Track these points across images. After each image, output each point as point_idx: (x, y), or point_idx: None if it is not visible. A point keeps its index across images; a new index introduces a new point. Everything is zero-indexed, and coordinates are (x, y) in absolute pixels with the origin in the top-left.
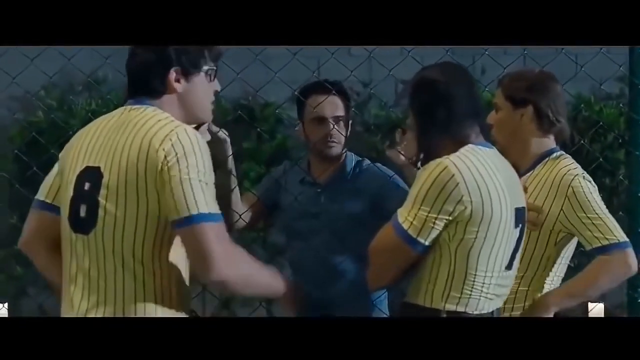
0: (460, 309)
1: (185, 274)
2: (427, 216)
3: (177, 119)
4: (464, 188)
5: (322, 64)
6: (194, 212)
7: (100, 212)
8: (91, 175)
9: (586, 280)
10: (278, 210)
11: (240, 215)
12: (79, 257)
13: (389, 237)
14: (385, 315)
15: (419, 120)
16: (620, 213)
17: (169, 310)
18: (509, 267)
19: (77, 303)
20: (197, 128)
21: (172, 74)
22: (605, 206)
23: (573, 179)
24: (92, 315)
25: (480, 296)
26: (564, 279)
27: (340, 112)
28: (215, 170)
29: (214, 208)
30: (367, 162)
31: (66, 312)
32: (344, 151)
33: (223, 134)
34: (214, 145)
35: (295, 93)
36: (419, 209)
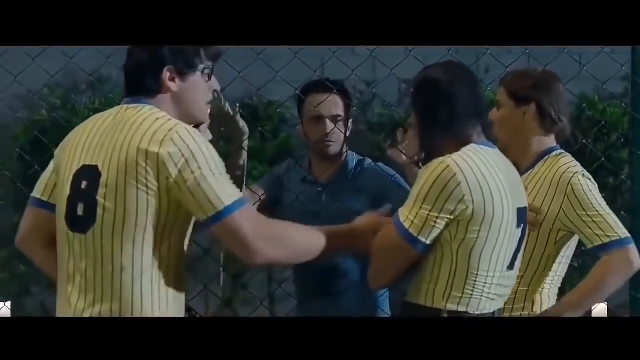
0: (462, 309)
1: (182, 273)
2: (428, 215)
3: (173, 118)
4: (465, 187)
5: (325, 62)
6: (220, 207)
7: (99, 211)
8: (88, 173)
9: (593, 285)
10: (279, 207)
11: None
12: (75, 256)
13: (390, 235)
14: (386, 315)
15: (421, 120)
16: (622, 213)
17: (167, 309)
18: (510, 267)
19: (74, 302)
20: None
21: (166, 73)
22: (605, 203)
23: (572, 177)
24: (88, 314)
25: (481, 296)
26: (565, 279)
27: (340, 111)
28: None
29: (235, 194)
30: (368, 161)
31: (63, 311)
32: (344, 150)
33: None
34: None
35: (297, 92)
36: (420, 207)
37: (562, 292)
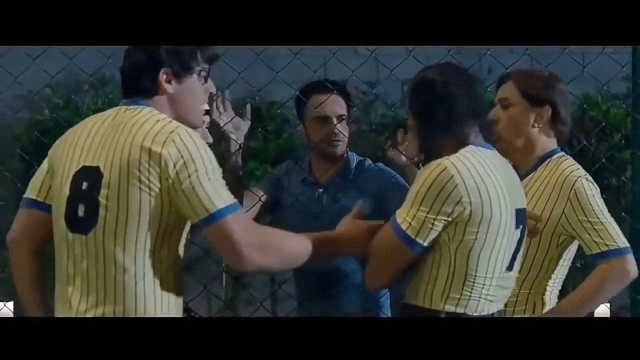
0: (460, 310)
1: (180, 274)
2: (425, 217)
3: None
4: (463, 189)
5: (326, 62)
6: (212, 210)
7: (101, 212)
8: (89, 174)
9: (588, 292)
10: (279, 209)
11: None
12: (76, 257)
13: (388, 237)
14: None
15: (418, 121)
16: (623, 214)
17: (168, 310)
18: (509, 268)
19: (75, 303)
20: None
21: (163, 75)
22: (607, 210)
23: (576, 181)
24: (91, 315)
25: (480, 297)
26: (567, 280)
27: (342, 111)
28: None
29: (229, 198)
30: (368, 161)
31: (63, 313)
32: (345, 151)
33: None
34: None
35: (297, 93)
36: (418, 209)
37: (563, 293)
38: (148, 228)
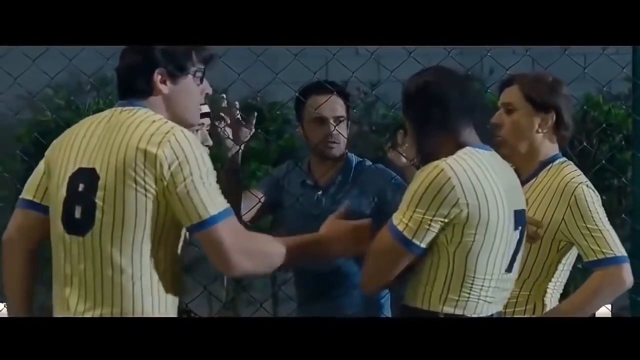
0: (459, 312)
1: (178, 275)
2: (422, 218)
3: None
4: (460, 191)
5: (328, 62)
6: (205, 216)
7: (98, 214)
8: (85, 176)
9: (583, 298)
10: (279, 210)
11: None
12: (73, 258)
13: (385, 239)
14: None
15: (413, 124)
16: (623, 216)
17: (165, 311)
18: (508, 270)
19: (73, 305)
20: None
21: (157, 76)
22: (606, 218)
23: (577, 187)
24: (89, 316)
25: (478, 299)
26: (568, 280)
27: (341, 112)
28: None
29: (222, 204)
30: (368, 162)
31: (61, 314)
32: (345, 152)
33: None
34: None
35: (297, 94)
36: (414, 211)
37: (564, 296)
38: (144, 229)
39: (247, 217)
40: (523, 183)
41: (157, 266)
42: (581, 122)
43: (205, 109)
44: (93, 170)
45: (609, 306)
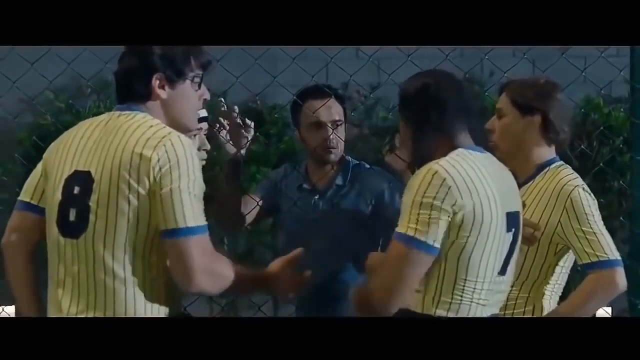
0: (451, 314)
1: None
2: (429, 218)
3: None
4: (456, 192)
5: (326, 64)
6: (181, 225)
7: (92, 217)
8: (81, 179)
9: (577, 302)
10: (276, 213)
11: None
12: (67, 261)
13: (398, 253)
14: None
15: (408, 126)
16: (621, 218)
17: (158, 314)
18: (502, 272)
19: (65, 307)
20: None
21: (156, 81)
22: (602, 222)
23: (573, 190)
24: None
25: (471, 302)
26: (569, 281)
27: (338, 116)
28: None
29: (200, 219)
30: (365, 165)
31: (54, 315)
32: (342, 156)
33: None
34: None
35: (294, 97)
36: (419, 214)
37: (563, 298)
38: (137, 233)
39: (247, 220)
40: (520, 186)
41: (150, 270)
42: (581, 125)
43: (203, 113)
44: (88, 173)
45: (609, 309)
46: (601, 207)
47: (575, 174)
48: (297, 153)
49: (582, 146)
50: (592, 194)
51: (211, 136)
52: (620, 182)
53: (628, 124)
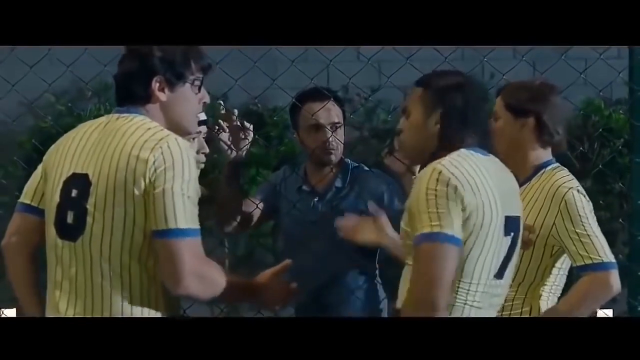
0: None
1: None
2: (448, 212)
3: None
4: (461, 190)
5: (326, 67)
6: (172, 226)
7: (89, 220)
8: (78, 182)
9: (570, 303)
10: (276, 216)
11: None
12: (64, 263)
13: (428, 254)
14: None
15: (442, 121)
16: (621, 220)
17: (157, 316)
18: (498, 276)
19: (63, 309)
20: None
21: (156, 84)
22: (597, 225)
23: (567, 192)
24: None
25: (465, 304)
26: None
27: (336, 118)
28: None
29: (193, 223)
30: (364, 168)
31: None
32: (341, 158)
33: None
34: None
35: (293, 100)
36: (437, 211)
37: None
38: (133, 236)
39: (247, 223)
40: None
41: (148, 274)
42: (582, 127)
43: (203, 116)
44: (86, 175)
45: (610, 311)
46: (602, 209)
47: (571, 176)
48: (298, 155)
49: (581, 148)
50: (587, 196)
51: (210, 139)
52: (619, 185)
53: (628, 126)
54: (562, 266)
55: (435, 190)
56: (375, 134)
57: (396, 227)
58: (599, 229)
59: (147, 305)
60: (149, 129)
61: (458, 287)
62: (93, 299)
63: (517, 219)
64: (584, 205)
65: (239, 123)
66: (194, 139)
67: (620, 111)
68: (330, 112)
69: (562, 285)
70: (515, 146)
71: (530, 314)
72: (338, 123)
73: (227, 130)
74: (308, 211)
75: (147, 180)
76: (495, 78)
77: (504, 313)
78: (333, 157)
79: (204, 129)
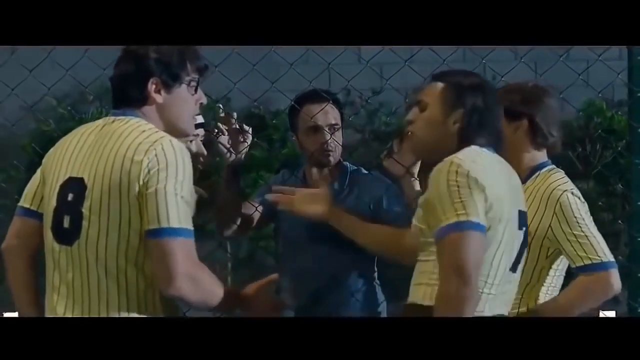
0: None
1: None
2: (473, 201)
3: (159, 129)
4: (483, 181)
5: (325, 69)
6: (165, 225)
7: (84, 224)
8: (74, 186)
9: (566, 302)
10: (275, 219)
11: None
12: (61, 267)
13: (461, 243)
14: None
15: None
16: (620, 222)
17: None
18: (513, 269)
19: (60, 313)
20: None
21: (152, 85)
22: (593, 224)
23: (562, 194)
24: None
25: (481, 294)
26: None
27: (335, 120)
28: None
29: (186, 223)
30: (363, 171)
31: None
32: (340, 160)
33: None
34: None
35: (292, 102)
36: (460, 199)
37: None
38: (129, 240)
39: (247, 226)
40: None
41: (145, 278)
42: (584, 128)
43: (200, 119)
44: (81, 179)
45: (613, 313)
46: (604, 211)
47: (566, 178)
48: (299, 158)
49: (581, 149)
50: (582, 198)
51: (208, 142)
52: (618, 186)
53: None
54: (559, 267)
55: (457, 181)
56: (376, 137)
57: (395, 227)
58: (596, 229)
59: (144, 309)
60: (144, 131)
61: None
62: (90, 303)
63: (525, 214)
64: (579, 207)
65: (237, 126)
66: (191, 141)
67: (619, 112)
68: (328, 114)
69: (559, 286)
70: (510, 149)
71: (526, 315)
72: (336, 125)
73: (226, 133)
74: None
75: (141, 182)
76: (496, 80)
77: None
78: (331, 159)
79: (201, 132)
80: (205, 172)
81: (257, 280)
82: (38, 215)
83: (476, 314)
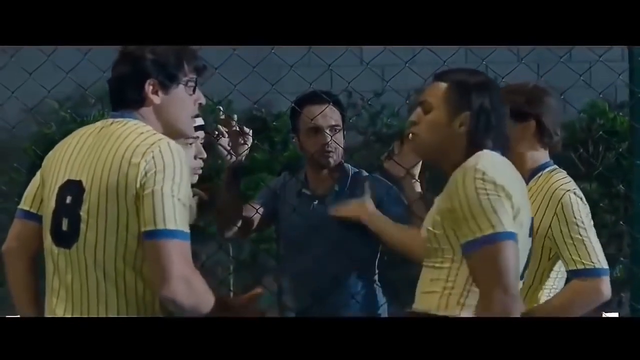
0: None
1: None
2: (505, 210)
3: (157, 131)
4: (509, 189)
5: (326, 70)
6: (161, 227)
7: (82, 227)
8: (72, 189)
9: (557, 305)
10: (276, 221)
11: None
12: (60, 270)
13: (501, 255)
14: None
15: (473, 119)
16: (621, 223)
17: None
18: (521, 276)
19: (60, 315)
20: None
21: (149, 86)
22: (592, 228)
23: (564, 195)
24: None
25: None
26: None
27: (335, 122)
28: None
29: (183, 225)
30: (364, 173)
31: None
32: (341, 162)
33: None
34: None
35: (292, 104)
36: (495, 210)
37: None
38: (127, 242)
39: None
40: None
41: (143, 281)
42: (587, 130)
43: (200, 121)
44: (79, 182)
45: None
46: (606, 212)
47: (568, 178)
48: (300, 160)
49: (584, 150)
50: (584, 199)
51: (209, 145)
52: (619, 187)
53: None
54: (561, 269)
55: (486, 190)
56: (378, 138)
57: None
58: (593, 233)
59: (143, 312)
60: (142, 133)
61: None
62: (89, 306)
63: (532, 219)
64: (580, 209)
65: (237, 128)
66: (191, 144)
67: (620, 113)
68: (329, 116)
69: (560, 288)
70: (514, 150)
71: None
72: (337, 126)
73: (227, 136)
74: (308, 215)
75: (138, 185)
76: (497, 81)
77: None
78: (331, 160)
79: (201, 134)
80: (206, 174)
81: (259, 282)
82: (38, 218)
83: None
